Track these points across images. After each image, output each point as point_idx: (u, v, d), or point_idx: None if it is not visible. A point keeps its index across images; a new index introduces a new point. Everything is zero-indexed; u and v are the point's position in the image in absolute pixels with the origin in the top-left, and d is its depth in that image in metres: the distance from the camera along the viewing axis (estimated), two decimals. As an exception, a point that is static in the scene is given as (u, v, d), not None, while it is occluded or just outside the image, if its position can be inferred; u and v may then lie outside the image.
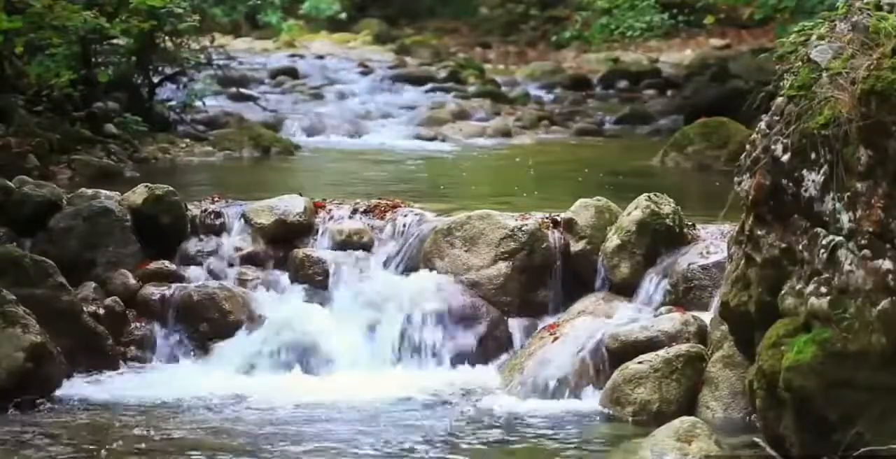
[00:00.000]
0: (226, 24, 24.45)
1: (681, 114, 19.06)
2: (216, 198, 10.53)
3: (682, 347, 8.42)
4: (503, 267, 9.66)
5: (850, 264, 6.66)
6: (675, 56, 26.44)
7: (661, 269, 9.32)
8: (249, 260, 10.04)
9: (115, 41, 15.04)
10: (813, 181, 6.87)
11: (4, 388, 8.42)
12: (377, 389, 8.79)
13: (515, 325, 9.57)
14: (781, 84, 7.16)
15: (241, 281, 9.87)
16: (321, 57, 26.78)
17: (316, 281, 9.86)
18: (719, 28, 26.78)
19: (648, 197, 9.52)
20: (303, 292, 9.82)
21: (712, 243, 9.31)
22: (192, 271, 9.95)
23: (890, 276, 6.54)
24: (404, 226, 10.11)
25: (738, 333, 7.72)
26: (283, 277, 9.96)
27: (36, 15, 12.31)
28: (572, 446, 7.65)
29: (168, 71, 16.42)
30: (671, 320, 8.74)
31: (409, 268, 9.83)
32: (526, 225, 9.74)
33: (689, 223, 9.59)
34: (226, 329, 9.52)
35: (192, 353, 9.52)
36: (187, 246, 10.12)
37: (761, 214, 7.20)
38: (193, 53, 16.38)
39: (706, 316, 8.74)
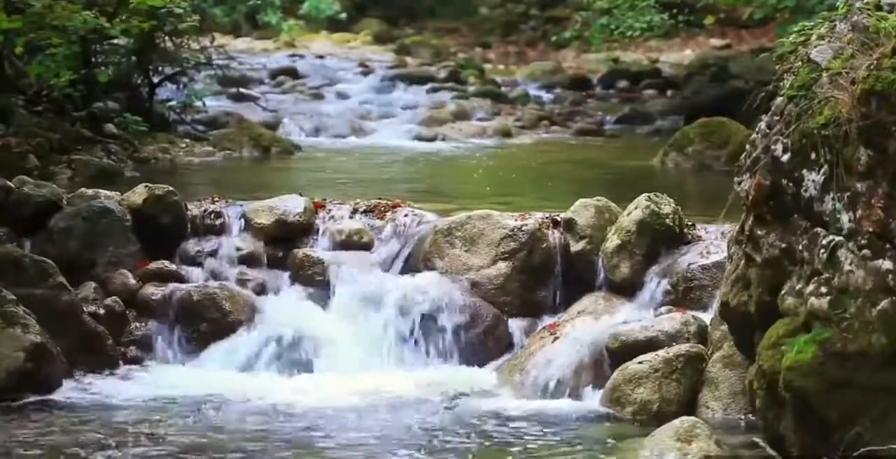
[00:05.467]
0: (226, 24, 24.43)
1: (681, 114, 19.05)
2: (216, 198, 10.52)
3: (682, 347, 8.42)
4: (503, 267, 9.66)
5: (850, 264, 6.66)
6: (675, 56, 26.44)
7: (661, 269, 9.31)
8: (249, 260, 10.03)
9: (115, 41, 15.04)
10: (813, 181, 6.87)
11: (4, 388, 8.42)
12: (377, 389, 8.78)
13: (515, 325, 9.56)
14: (781, 84, 7.16)
15: (241, 281, 9.85)
16: (321, 57, 26.78)
17: (316, 281, 9.85)
18: (719, 28, 26.79)
19: (648, 197, 9.51)
20: (302, 292, 9.81)
21: (712, 243, 9.30)
22: (192, 271, 9.93)
23: (890, 276, 6.54)
24: (404, 225, 10.10)
25: (738, 333, 7.72)
26: (283, 277, 9.95)
27: (36, 15, 12.31)
28: (572, 446, 7.65)
29: (168, 71, 16.41)
30: (671, 320, 8.74)
31: (409, 268, 9.83)
32: (526, 225, 9.74)
33: (689, 223, 9.59)
34: (226, 329, 9.50)
35: (192, 353, 9.50)
36: (187, 246, 10.11)
37: (761, 214, 7.20)
38: (193, 53, 16.38)
39: (706, 316, 8.73)
